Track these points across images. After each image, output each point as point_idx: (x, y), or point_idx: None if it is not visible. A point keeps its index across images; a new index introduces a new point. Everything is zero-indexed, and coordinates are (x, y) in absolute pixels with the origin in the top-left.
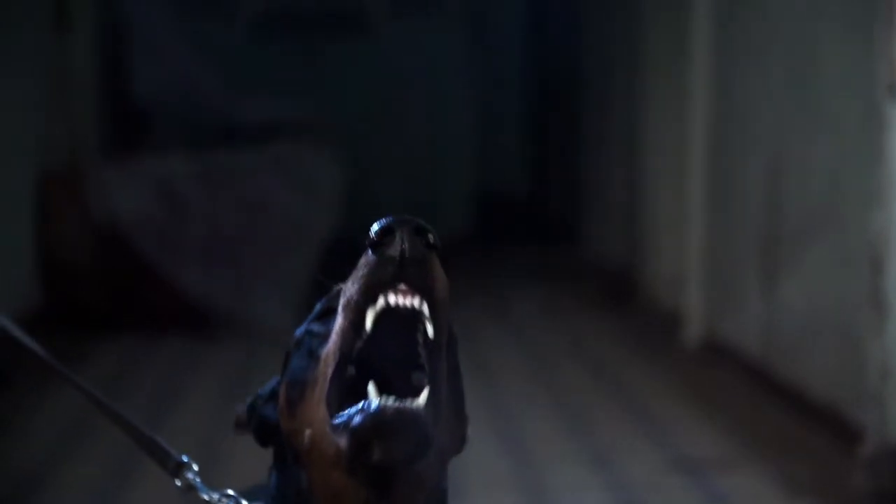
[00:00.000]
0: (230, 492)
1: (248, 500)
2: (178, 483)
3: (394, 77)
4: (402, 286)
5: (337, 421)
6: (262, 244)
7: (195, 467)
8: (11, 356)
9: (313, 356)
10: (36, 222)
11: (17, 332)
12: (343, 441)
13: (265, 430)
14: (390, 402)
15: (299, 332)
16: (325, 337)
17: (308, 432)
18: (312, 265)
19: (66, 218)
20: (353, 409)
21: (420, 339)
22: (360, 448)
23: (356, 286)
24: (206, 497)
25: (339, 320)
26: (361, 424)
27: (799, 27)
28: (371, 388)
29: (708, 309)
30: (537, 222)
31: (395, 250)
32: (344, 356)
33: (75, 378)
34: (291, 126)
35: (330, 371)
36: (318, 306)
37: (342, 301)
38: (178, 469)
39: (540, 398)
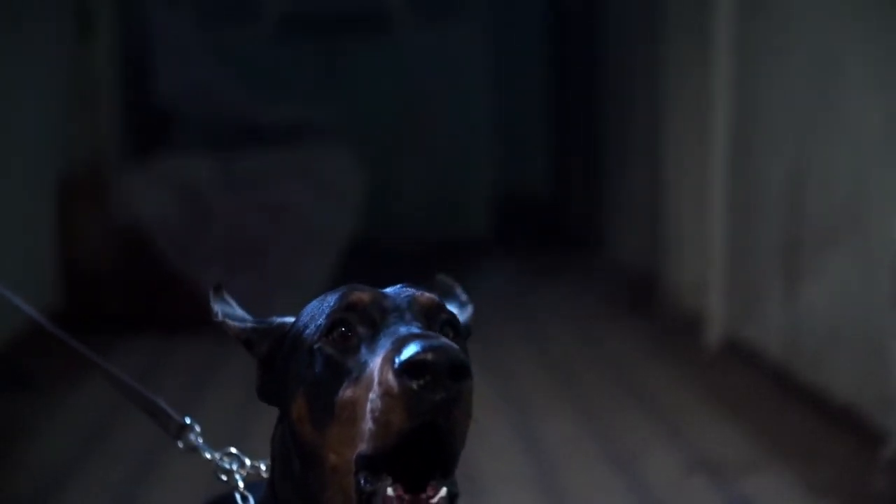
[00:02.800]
0: (233, 450)
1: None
2: (181, 444)
3: (415, 79)
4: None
5: (361, 492)
6: (284, 247)
7: (197, 428)
8: (32, 358)
9: (331, 385)
10: (58, 225)
11: (18, 301)
12: None
13: (272, 389)
14: None
15: (310, 327)
16: (340, 371)
17: (334, 458)
18: (334, 268)
19: (89, 221)
20: (373, 489)
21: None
22: None
23: (396, 414)
24: (208, 456)
25: (370, 421)
26: None
27: (821, 31)
28: (389, 490)
29: (730, 312)
30: (559, 225)
31: (431, 393)
32: (375, 453)
33: (88, 352)
34: (313, 129)
35: (359, 447)
36: (324, 317)
37: (379, 415)
38: (181, 431)
39: (561, 400)
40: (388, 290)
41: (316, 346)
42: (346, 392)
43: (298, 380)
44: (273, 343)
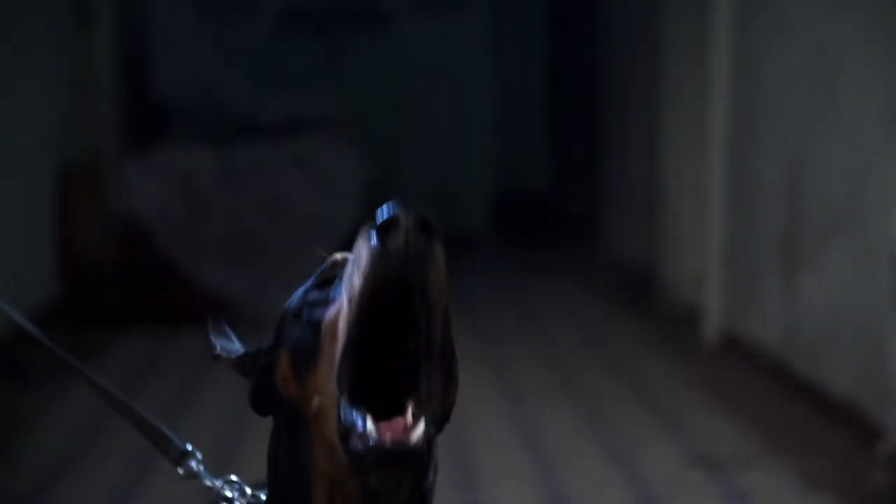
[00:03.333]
0: (233, 477)
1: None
2: (181, 471)
3: (415, 74)
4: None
5: (344, 418)
6: (283, 240)
7: (199, 455)
8: (30, 352)
9: (315, 327)
10: (57, 218)
11: (25, 322)
12: (343, 453)
13: (264, 390)
14: (388, 437)
15: (295, 300)
16: (324, 304)
17: (316, 402)
18: None
19: (88, 214)
20: (356, 418)
21: (417, 329)
22: (358, 472)
23: (360, 281)
24: (208, 483)
25: (345, 309)
26: (361, 454)
27: (819, 27)
28: (369, 421)
29: (728, 307)
30: (558, 221)
31: (399, 246)
32: (350, 343)
33: (85, 370)
34: (312, 122)
35: (338, 353)
36: (312, 277)
37: (346, 288)
38: (182, 457)
39: (559, 395)
40: None
41: (300, 306)
42: (325, 319)
43: (285, 345)
44: (266, 354)
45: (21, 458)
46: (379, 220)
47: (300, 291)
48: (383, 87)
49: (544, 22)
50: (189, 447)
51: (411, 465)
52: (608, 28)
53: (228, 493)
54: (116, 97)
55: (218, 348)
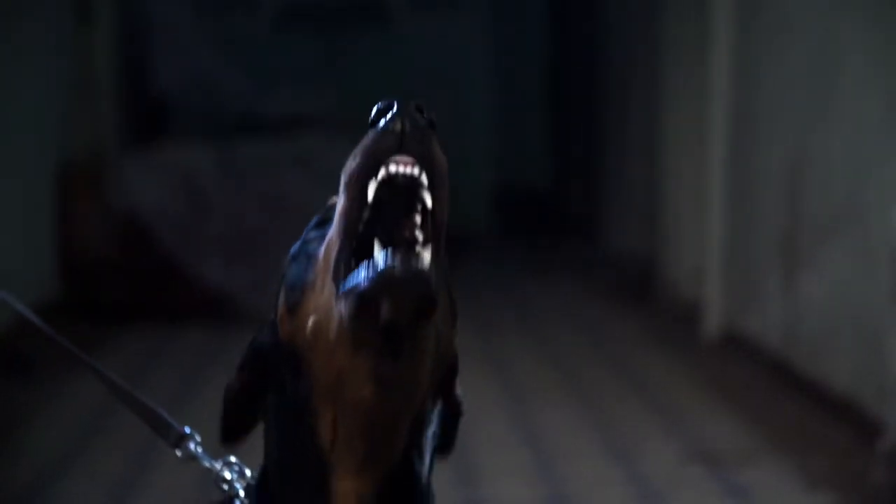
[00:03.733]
0: (232, 458)
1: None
2: (180, 453)
3: (415, 72)
4: (403, 157)
5: (345, 287)
6: (283, 236)
7: (197, 438)
8: (32, 347)
9: (312, 258)
10: (57, 214)
11: (27, 312)
12: (351, 306)
13: (260, 360)
14: (397, 261)
15: (295, 249)
16: (322, 238)
17: (312, 320)
18: None
19: (88, 210)
20: (359, 272)
21: (419, 209)
22: (368, 309)
23: (357, 159)
24: (207, 465)
25: (342, 200)
26: (371, 283)
27: (820, 23)
28: (376, 247)
29: (728, 303)
30: (557, 216)
31: (395, 123)
32: (349, 234)
33: (87, 358)
34: (312, 119)
35: (335, 251)
36: (313, 220)
37: (343, 179)
38: (181, 441)
39: (559, 390)
40: None
41: (299, 249)
42: (321, 248)
43: (280, 288)
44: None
45: (22, 453)
46: (375, 110)
47: (300, 239)
48: (383, 86)
49: (544, 21)
50: (188, 430)
51: (420, 288)
52: (608, 27)
53: (227, 475)
54: (116, 96)
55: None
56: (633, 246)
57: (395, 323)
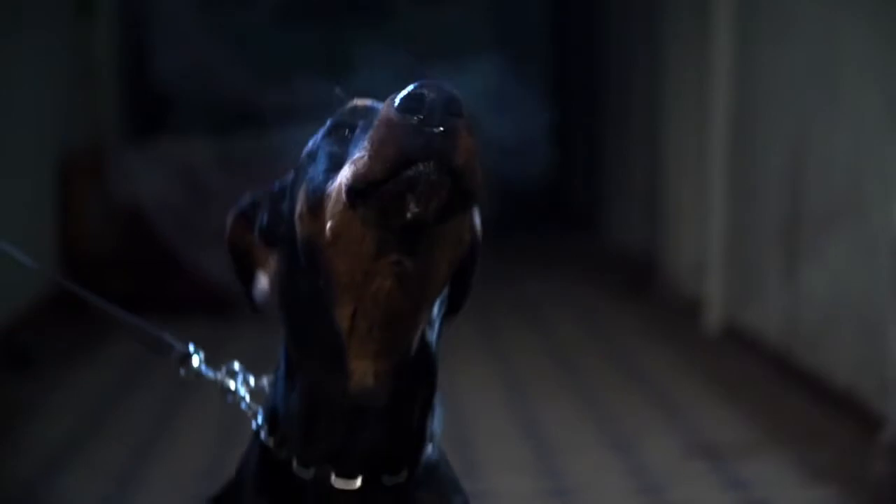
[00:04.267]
0: (236, 366)
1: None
2: (183, 372)
3: (416, 62)
4: (429, 164)
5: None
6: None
7: (201, 355)
8: (33, 337)
9: (332, 170)
10: (58, 207)
11: (25, 259)
12: (377, 201)
13: (276, 225)
14: (431, 166)
15: (312, 145)
16: (342, 152)
17: (333, 223)
18: None
19: (88, 203)
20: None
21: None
22: (395, 205)
23: (383, 151)
24: (211, 376)
25: (365, 167)
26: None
27: (821, 15)
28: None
29: (729, 296)
30: (558, 209)
31: (426, 124)
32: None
33: (83, 292)
34: (312, 112)
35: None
36: (328, 122)
37: (368, 150)
38: (184, 360)
39: (560, 384)
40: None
41: (317, 147)
42: (345, 166)
43: (301, 184)
44: (281, 191)
45: (23, 446)
46: (405, 96)
47: (317, 135)
48: (383, 77)
49: (545, 9)
50: (191, 347)
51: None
52: (609, 20)
53: (231, 385)
54: (117, 89)
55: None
56: (633, 239)
57: (421, 219)
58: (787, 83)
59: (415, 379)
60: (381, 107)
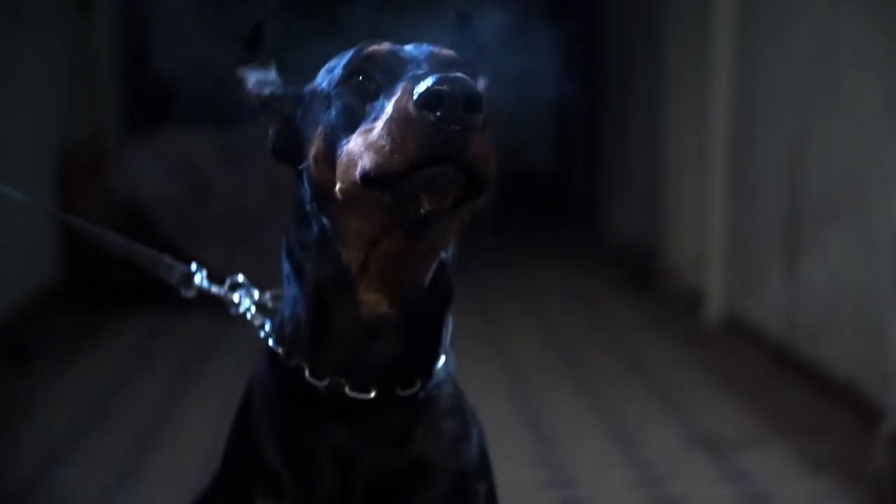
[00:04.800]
0: (240, 278)
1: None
2: (188, 292)
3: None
4: (446, 165)
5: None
6: (282, 221)
7: (203, 272)
8: (32, 330)
9: (347, 126)
10: (59, 200)
11: (26, 198)
12: (391, 196)
13: (287, 144)
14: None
15: (326, 83)
16: (359, 106)
17: (345, 184)
18: None
19: (88, 196)
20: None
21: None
22: (410, 199)
23: (401, 147)
24: (214, 291)
25: (382, 159)
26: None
27: (821, 9)
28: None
29: (729, 289)
30: (559, 201)
31: (444, 121)
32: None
33: (87, 224)
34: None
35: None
36: (341, 66)
37: (386, 141)
38: (187, 279)
39: (561, 377)
40: (407, 46)
41: (334, 93)
42: (362, 130)
43: (317, 125)
44: (292, 101)
45: (22, 439)
46: (424, 86)
47: (329, 66)
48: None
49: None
50: (193, 266)
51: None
52: (611, 10)
53: (236, 298)
54: (117, 82)
55: (251, 83)
56: (634, 231)
57: (433, 215)
58: (787, 79)
59: (429, 300)
60: (398, 92)
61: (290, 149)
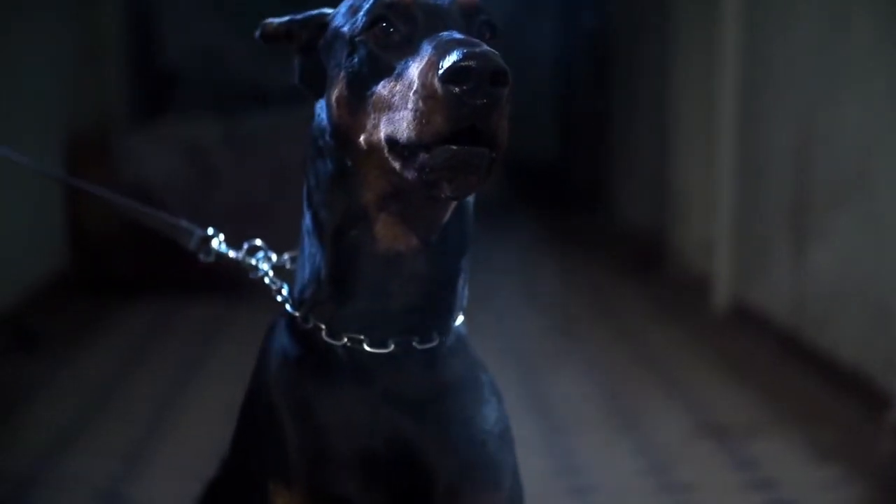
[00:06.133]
0: (258, 242)
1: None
2: (205, 255)
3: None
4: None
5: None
6: (290, 209)
7: (221, 236)
8: (38, 318)
9: (371, 76)
10: (65, 189)
11: (26, 160)
12: (416, 180)
13: (311, 75)
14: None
15: (348, 25)
16: (383, 62)
17: (368, 140)
18: None
19: (95, 183)
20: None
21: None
22: (429, 184)
23: (427, 123)
24: (233, 255)
25: (408, 131)
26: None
27: None
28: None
29: (737, 275)
30: (565, 187)
31: (470, 95)
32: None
33: (104, 191)
34: None
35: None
36: (364, 12)
37: (413, 114)
38: (204, 243)
39: (568, 362)
40: None
41: (358, 39)
42: (386, 87)
43: (339, 68)
44: (313, 31)
45: (28, 427)
46: (451, 61)
47: (350, 5)
48: None
49: None
50: (210, 231)
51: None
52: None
53: (253, 261)
54: (124, 67)
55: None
56: (641, 218)
57: (452, 199)
58: (795, 63)
59: (447, 242)
60: (424, 63)
61: (314, 80)
